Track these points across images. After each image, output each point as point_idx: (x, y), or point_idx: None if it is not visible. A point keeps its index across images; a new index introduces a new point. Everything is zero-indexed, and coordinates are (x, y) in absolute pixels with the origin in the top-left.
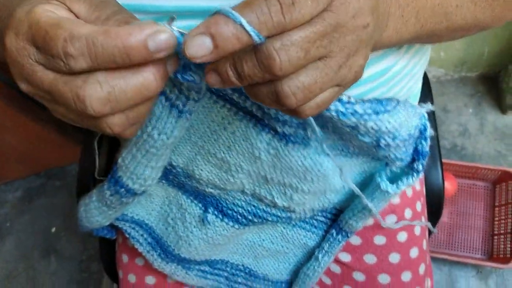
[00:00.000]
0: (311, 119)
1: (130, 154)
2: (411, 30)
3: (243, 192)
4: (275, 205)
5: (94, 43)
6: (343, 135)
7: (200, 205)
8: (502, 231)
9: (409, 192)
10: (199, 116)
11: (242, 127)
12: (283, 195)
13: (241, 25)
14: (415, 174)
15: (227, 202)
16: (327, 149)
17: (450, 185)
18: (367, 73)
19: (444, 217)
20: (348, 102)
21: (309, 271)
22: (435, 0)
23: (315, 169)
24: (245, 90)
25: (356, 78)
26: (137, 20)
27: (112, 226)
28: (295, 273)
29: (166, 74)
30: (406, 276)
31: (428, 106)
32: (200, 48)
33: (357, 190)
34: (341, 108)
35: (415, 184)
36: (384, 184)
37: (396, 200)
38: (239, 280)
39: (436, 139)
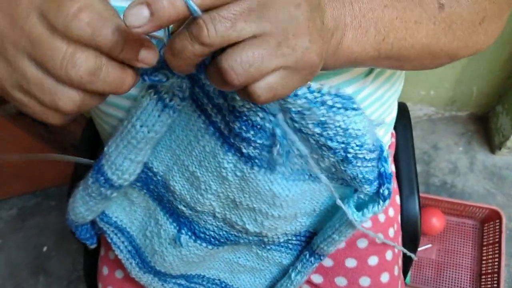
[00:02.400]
0: (278, 131)
1: (114, 143)
2: (373, 41)
3: (214, 216)
4: (246, 232)
5: (104, 26)
6: (313, 150)
7: (174, 224)
8: (489, 271)
9: (382, 218)
10: (181, 122)
11: (212, 143)
12: (254, 221)
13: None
14: (381, 202)
15: (199, 225)
16: (294, 174)
17: (438, 222)
18: None
19: (432, 255)
20: (318, 92)
21: (282, 287)
22: (392, 14)
23: (283, 195)
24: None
25: (307, 61)
26: None
27: (95, 233)
28: None
29: (137, 80)
30: None
31: (382, 122)
32: (137, 17)
33: (338, 200)
34: (310, 96)
35: (388, 211)
36: (351, 211)
37: (367, 224)
38: None
39: (414, 170)
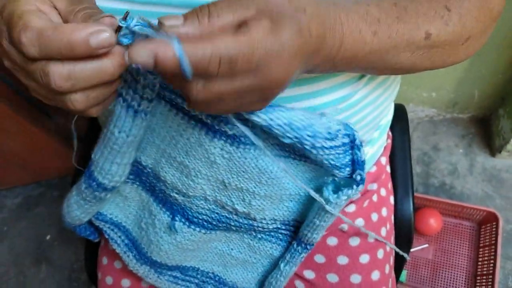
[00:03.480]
0: (235, 121)
1: (100, 150)
2: (340, 69)
3: (206, 199)
4: (236, 212)
5: (43, 35)
6: (277, 140)
7: (168, 213)
8: (485, 272)
9: (375, 217)
10: (158, 121)
11: (196, 134)
12: (242, 201)
13: (181, 63)
14: (354, 186)
15: (192, 210)
16: (277, 149)
17: (435, 223)
18: (327, 98)
19: (429, 255)
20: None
21: (272, 279)
22: (375, 56)
23: (268, 170)
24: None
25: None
26: (101, 15)
27: (95, 229)
28: (263, 283)
29: (123, 62)
30: None
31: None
32: (142, 60)
33: (300, 184)
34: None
35: (381, 210)
36: (327, 192)
37: (360, 222)
38: (209, 287)
39: (410, 171)
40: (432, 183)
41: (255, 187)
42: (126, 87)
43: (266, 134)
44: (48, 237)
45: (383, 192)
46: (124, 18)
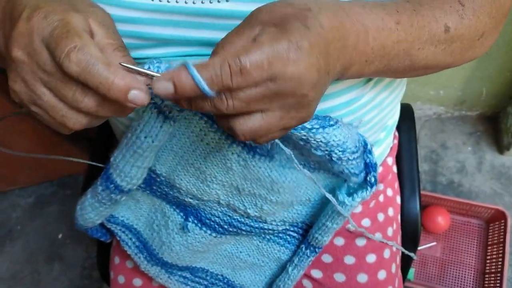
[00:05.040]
0: (278, 141)
1: (121, 153)
2: (374, 69)
3: (219, 203)
4: (248, 216)
5: (93, 65)
6: (302, 150)
7: (181, 214)
8: (493, 270)
9: (381, 217)
10: (181, 127)
11: (216, 139)
12: (254, 205)
13: (197, 83)
14: (368, 188)
15: (205, 212)
16: (290, 162)
17: (443, 221)
18: (335, 102)
19: (437, 252)
20: None
21: (280, 282)
22: (401, 46)
23: (280, 181)
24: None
25: (301, 123)
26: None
27: (107, 230)
28: (270, 286)
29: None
30: None
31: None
32: (164, 90)
33: (323, 191)
34: None
35: (388, 210)
36: (341, 196)
37: (366, 223)
38: None
39: (416, 171)
40: (440, 181)
41: (267, 194)
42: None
43: (288, 142)
44: (60, 235)
45: (389, 192)
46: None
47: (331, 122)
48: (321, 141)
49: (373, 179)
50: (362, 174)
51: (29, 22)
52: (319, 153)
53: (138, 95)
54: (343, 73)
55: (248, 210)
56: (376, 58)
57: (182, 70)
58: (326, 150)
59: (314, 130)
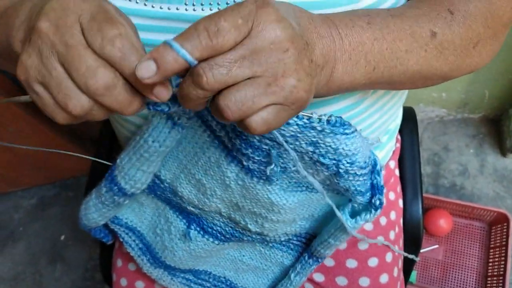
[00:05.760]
0: (273, 152)
1: (127, 156)
2: (363, 71)
3: (220, 214)
4: (249, 230)
5: (133, 54)
6: (309, 165)
7: (184, 221)
8: (495, 273)
9: (383, 221)
10: (187, 136)
11: (216, 154)
12: (255, 222)
13: (177, 51)
14: (373, 210)
15: (207, 221)
16: (292, 186)
17: (445, 223)
18: (337, 106)
19: (439, 255)
20: (308, 119)
21: (282, 287)
22: (382, 45)
23: (281, 203)
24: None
25: (295, 97)
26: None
27: (109, 231)
28: None
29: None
30: None
31: (377, 141)
32: (146, 70)
33: (330, 203)
34: (300, 122)
35: (390, 214)
36: (344, 218)
37: (369, 227)
38: None
39: (418, 174)
40: (443, 184)
41: (267, 213)
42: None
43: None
44: (62, 237)
45: (391, 196)
46: None
47: (346, 131)
48: (330, 146)
49: (378, 202)
50: (368, 194)
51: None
52: (326, 161)
53: (162, 91)
54: (328, 69)
55: (249, 226)
56: (358, 54)
57: (161, 45)
58: (334, 159)
59: (324, 133)
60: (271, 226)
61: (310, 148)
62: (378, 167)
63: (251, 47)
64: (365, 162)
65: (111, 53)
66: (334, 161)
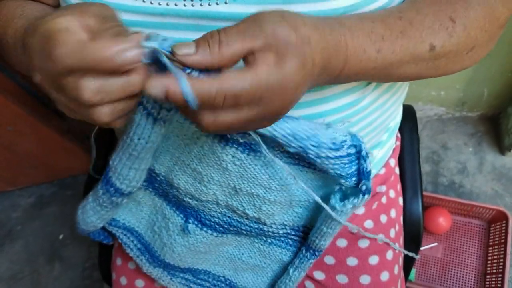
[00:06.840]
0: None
1: (118, 157)
2: (344, 82)
3: (217, 204)
4: (247, 217)
5: (75, 51)
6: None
7: (181, 215)
8: (494, 271)
9: (384, 219)
10: (174, 129)
11: (209, 142)
12: (253, 206)
13: (187, 99)
14: (361, 195)
15: (205, 213)
16: (285, 157)
17: (444, 221)
18: (336, 103)
19: (438, 253)
20: None
21: (282, 284)
22: (382, 71)
23: (277, 177)
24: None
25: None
26: (128, 32)
27: (108, 233)
28: (272, 287)
29: (148, 76)
30: None
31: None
32: (155, 92)
33: (308, 190)
34: None
35: (390, 212)
36: (333, 200)
37: (369, 224)
38: None
39: (418, 172)
40: (441, 182)
41: (265, 193)
42: (147, 97)
43: (276, 141)
44: (61, 236)
45: (392, 193)
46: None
47: (289, 119)
48: (284, 136)
49: (364, 187)
50: (354, 179)
51: None
52: (291, 149)
53: (124, 55)
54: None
55: (247, 211)
56: (346, 78)
57: (177, 84)
58: (299, 147)
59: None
60: (269, 209)
61: (276, 143)
62: (363, 153)
63: (258, 116)
64: (334, 144)
65: (64, 64)
66: (300, 148)
